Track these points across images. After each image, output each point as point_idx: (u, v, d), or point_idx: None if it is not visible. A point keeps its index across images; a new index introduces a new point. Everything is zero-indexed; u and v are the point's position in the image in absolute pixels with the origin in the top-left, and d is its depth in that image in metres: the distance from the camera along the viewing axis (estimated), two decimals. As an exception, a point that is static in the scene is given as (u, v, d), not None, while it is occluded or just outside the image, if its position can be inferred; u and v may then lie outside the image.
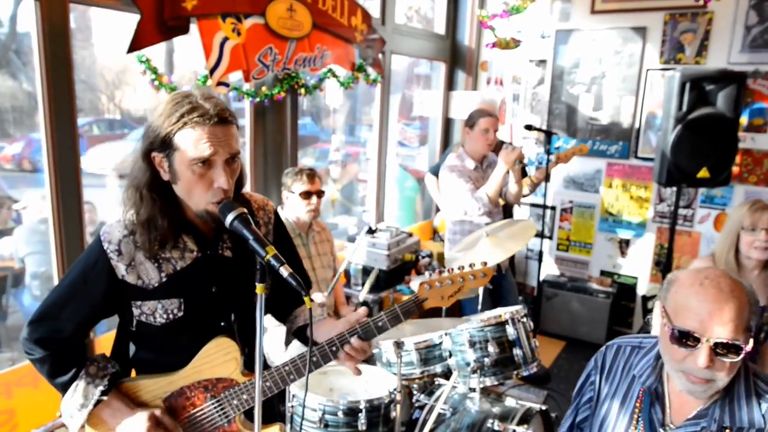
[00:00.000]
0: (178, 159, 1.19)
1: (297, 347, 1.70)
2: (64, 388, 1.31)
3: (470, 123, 3.16)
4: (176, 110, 1.18)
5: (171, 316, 1.31)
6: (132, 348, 1.44)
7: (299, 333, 1.49)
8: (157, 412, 1.32)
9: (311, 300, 1.14)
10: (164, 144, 1.19)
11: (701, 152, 3.09)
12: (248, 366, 1.37)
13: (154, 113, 1.22)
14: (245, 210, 1.18)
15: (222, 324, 1.37)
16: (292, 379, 1.32)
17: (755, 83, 3.56)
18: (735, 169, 3.64)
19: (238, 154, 1.24)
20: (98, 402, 1.30)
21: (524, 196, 3.39)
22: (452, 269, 1.35)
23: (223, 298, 1.35)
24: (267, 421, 1.42)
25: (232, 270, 1.35)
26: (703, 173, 3.12)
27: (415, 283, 2.88)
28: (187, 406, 1.35)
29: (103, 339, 2.36)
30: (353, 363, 1.32)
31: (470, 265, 1.35)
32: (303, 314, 1.49)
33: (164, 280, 1.29)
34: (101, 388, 1.30)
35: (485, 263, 1.36)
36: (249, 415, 1.35)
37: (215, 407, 1.35)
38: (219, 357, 1.34)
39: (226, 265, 1.35)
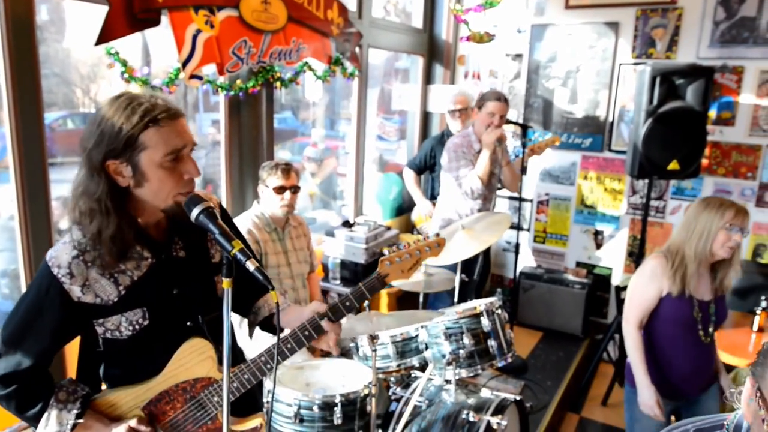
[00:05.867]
0: (146, 159, 1.17)
1: (268, 339, 1.71)
2: (36, 420, 1.29)
3: (479, 103, 3.20)
4: (134, 112, 1.15)
5: (137, 326, 1.29)
6: (102, 366, 1.41)
7: (265, 324, 1.50)
8: (132, 422, 1.30)
9: (276, 292, 1.14)
10: (126, 147, 1.16)
11: (671, 145, 3.15)
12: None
13: (102, 122, 1.17)
14: (211, 204, 1.18)
15: (189, 324, 1.35)
16: (269, 369, 1.33)
17: (723, 77, 3.64)
18: (704, 162, 3.72)
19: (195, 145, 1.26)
20: (74, 426, 1.28)
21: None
22: (408, 244, 1.40)
23: (185, 299, 1.34)
24: (250, 412, 1.44)
25: (188, 269, 1.35)
26: (674, 165, 3.18)
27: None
28: (168, 411, 1.34)
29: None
30: (325, 343, 1.36)
31: (424, 238, 1.41)
32: (266, 305, 1.50)
33: (123, 293, 1.26)
34: (75, 411, 1.28)
35: (438, 234, 1.42)
36: (232, 409, 1.36)
37: (196, 407, 1.35)
38: (194, 358, 1.34)
39: (182, 265, 1.34)
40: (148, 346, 1.31)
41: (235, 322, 2.25)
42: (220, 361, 1.35)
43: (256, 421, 1.42)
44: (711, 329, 2.09)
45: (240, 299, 1.48)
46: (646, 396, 2.06)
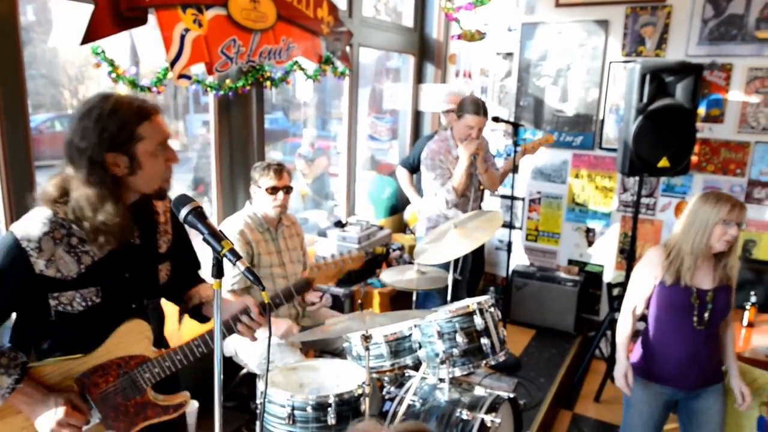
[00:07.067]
0: (142, 149, 1.32)
1: (263, 340, 1.74)
2: None
3: (459, 113, 3.17)
4: (129, 108, 1.30)
5: (89, 303, 1.38)
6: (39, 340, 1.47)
7: (194, 312, 1.65)
8: (72, 396, 1.39)
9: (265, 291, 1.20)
10: (127, 139, 1.29)
11: (661, 142, 3.17)
12: (157, 344, 1.52)
13: (100, 120, 1.27)
14: (200, 204, 1.19)
15: (133, 306, 1.48)
16: (200, 351, 1.47)
17: (712, 75, 3.67)
18: (694, 159, 3.75)
19: None
20: (12, 391, 1.33)
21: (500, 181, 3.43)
22: (334, 255, 1.66)
23: (134, 283, 1.47)
24: (175, 390, 1.56)
25: (140, 257, 1.47)
26: (664, 163, 3.20)
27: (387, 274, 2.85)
28: (101, 383, 1.43)
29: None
30: (250, 333, 1.49)
31: (348, 252, 1.67)
32: (197, 294, 1.66)
33: (83, 271, 1.35)
34: (15, 377, 1.32)
35: (357, 250, 1.71)
36: (157, 387, 1.49)
37: (128, 382, 1.44)
38: (132, 337, 1.46)
39: (136, 252, 1.46)
40: (95, 322, 1.41)
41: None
42: (154, 343, 1.50)
43: (181, 397, 1.54)
44: (706, 316, 2.13)
45: (174, 288, 1.63)
46: (619, 369, 2.25)
